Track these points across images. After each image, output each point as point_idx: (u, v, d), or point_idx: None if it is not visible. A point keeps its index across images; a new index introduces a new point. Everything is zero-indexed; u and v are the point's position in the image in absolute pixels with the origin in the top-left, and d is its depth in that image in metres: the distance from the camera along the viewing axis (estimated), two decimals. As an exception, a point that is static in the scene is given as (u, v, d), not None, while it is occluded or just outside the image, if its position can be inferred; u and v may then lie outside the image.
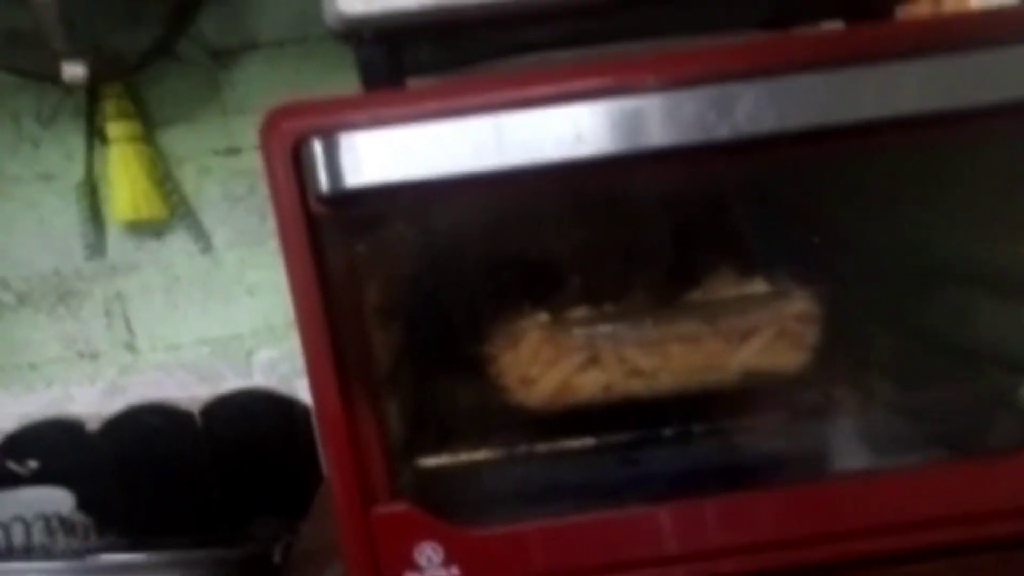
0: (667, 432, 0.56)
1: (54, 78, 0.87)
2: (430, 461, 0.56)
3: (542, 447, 0.56)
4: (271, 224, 1.04)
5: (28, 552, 0.61)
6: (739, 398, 0.58)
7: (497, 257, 0.62)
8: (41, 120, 0.97)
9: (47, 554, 0.61)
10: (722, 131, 0.40)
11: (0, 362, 1.04)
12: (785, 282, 0.59)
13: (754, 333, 0.57)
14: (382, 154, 0.42)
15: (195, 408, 1.06)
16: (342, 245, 0.47)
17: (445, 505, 0.52)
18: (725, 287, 0.59)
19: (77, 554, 0.61)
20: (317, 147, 0.42)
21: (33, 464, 1.05)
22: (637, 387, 0.57)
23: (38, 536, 0.68)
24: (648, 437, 0.56)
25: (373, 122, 0.43)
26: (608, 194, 0.56)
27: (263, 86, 1.00)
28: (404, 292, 0.59)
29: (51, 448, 1.04)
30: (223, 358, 1.07)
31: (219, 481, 1.07)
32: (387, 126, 0.43)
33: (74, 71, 0.85)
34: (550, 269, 0.64)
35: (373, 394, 0.50)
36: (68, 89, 0.92)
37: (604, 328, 0.57)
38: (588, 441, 0.56)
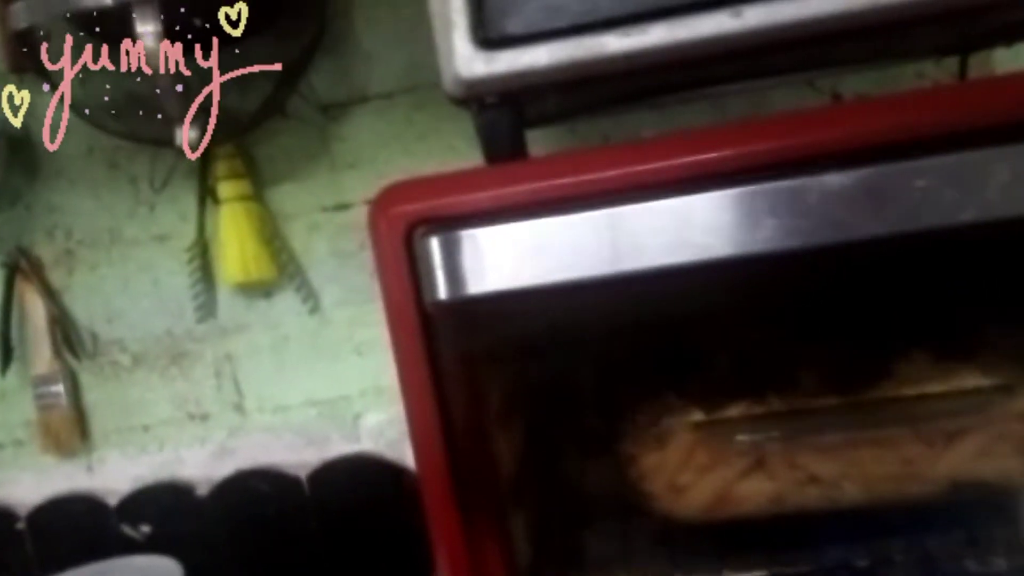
0: (857, 559, 0.45)
1: (168, 142, 0.85)
2: (561, 587, 0.48)
3: (695, 571, 0.47)
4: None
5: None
6: (946, 514, 0.47)
7: (632, 337, 0.53)
8: (154, 186, 0.96)
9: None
10: (967, 214, 0.30)
11: (115, 423, 1.04)
12: (1004, 372, 0.47)
13: (964, 435, 0.46)
14: (511, 255, 0.34)
15: (302, 473, 1.02)
16: (459, 343, 0.40)
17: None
18: (924, 377, 0.48)
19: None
20: (434, 246, 0.35)
21: (146, 529, 1.03)
22: (814, 498, 0.47)
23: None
24: (830, 562, 0.46)
25: (500, 211, 0.36)
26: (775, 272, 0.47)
27: (373, 139, 0.96)
28: (527, 386, 0.52)
29: (163, 512, 1.03)
30: (331, 420, 1.02)
31: (327, 550, 1.02)
32: (516, 216, 0.35)
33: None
34: (695, 348, 0.55)
35: (496, 511, 0.42)
36: (181, 152, 0.90)
37: (771, 427, 0.47)
38: (755, 568, 0.46)
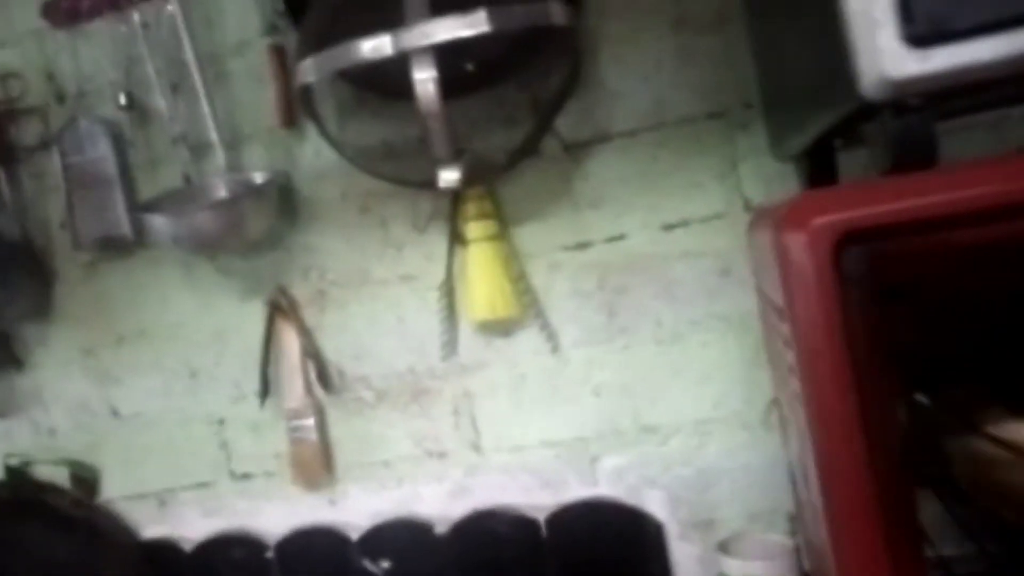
0: None
1: (428, 185, 0.89)
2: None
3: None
4: (619, 321, 0.98)
5: None
6: None
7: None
8: (419, 227, 1.00)
9: None
10: None
11: (358, 458, 1.07)
12: None
13: None
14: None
15: (540, 515, 1.00)
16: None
17: None
18: None
19: None
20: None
21: (385, 564, 1.05)
22: None
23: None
24: None
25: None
26: None
27: (616, 177, 0.96)
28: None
29: (402, 548, 1.04)
30: (567, 462, 1.01)
31: (564, 597, 0.99)
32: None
33: (450, 176, 0.86)
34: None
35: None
36: (439, 193, 0.93)
37: None
38: None
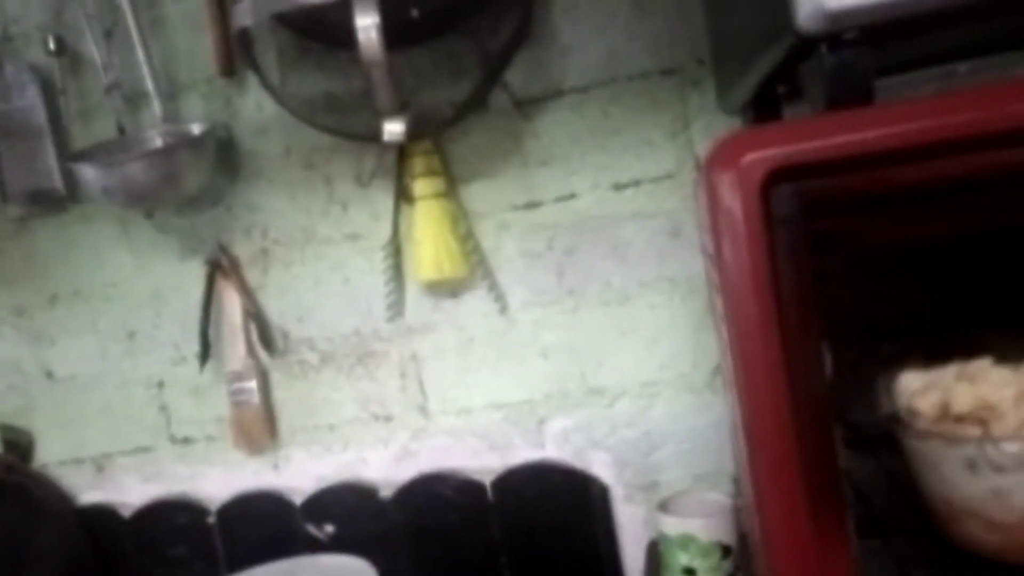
0: None
1: (372, 138, 0.86)
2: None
3: None
4: (568, 282, 0.97)
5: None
6: None
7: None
8: (363, 182, 0.97)
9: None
10: None
11: (302, 422, 1.04)
12: None
13: None
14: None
15: (486, 479, 0.99)
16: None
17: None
18: None
19: None
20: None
21: (329, 528, 1.03)
22: None
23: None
24: None
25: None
26: None
27: (567, 135, 0.94)
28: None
29: (346, 513, 1.02)
30: (514, 425, 0.99)
31: (510, 558, 0.99)
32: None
33: (395, 129, 0.83)
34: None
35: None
36: (384, 148, 0.90)
37: None
38: None
